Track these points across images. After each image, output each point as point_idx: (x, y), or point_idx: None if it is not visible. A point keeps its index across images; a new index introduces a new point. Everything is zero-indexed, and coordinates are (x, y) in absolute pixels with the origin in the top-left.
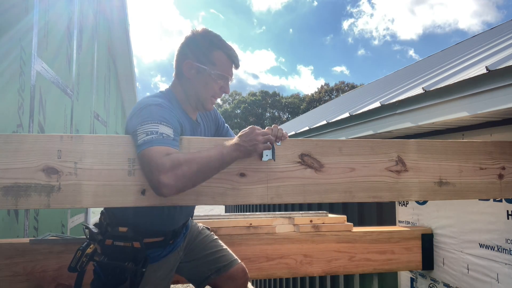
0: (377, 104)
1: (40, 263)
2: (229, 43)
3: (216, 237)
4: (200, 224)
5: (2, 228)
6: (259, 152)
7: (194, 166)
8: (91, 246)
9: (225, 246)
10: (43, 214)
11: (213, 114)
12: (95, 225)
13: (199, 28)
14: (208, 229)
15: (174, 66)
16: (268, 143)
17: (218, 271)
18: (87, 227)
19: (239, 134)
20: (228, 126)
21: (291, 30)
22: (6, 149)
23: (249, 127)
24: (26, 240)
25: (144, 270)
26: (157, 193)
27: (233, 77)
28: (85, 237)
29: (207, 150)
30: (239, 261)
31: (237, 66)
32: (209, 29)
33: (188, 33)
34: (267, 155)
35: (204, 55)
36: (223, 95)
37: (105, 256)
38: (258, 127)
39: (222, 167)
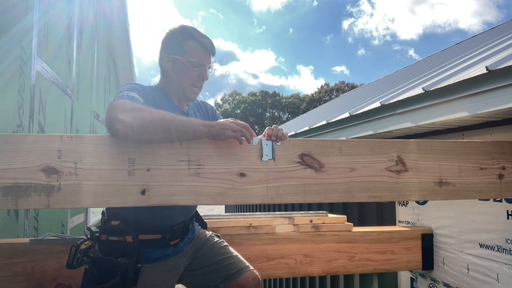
0: (377, 104)
1: (40, 263)
2: (229, 43)
3: (225, 244)
4: (209, 232)
5: (2, 228)
6: (226, 136)
7: (156, 115)
8: (86, 242)
9: (235, 253)
10: (43, 214)
11: (211, 112)
12: (98, 226)
13: (176, 25)
14: (218, 236)
15: (158, 62)
16: (239, 134)
17: (226, 279)
18: (88, 229)
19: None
20: None
21: (291, 30)
22: (6, 149)
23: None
24: (26, 240)
25: (139, 266)
26: (111, 131)
27: (211, 65)
28: (85, 237)
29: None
30: (251, 268)
31: (212, 53)
32: (186, 24)
33: (167, 30)
34: (267, 155)
35: (178, 46)
36: (224, 94)
37: (100, 252)
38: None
39: (185, 132)
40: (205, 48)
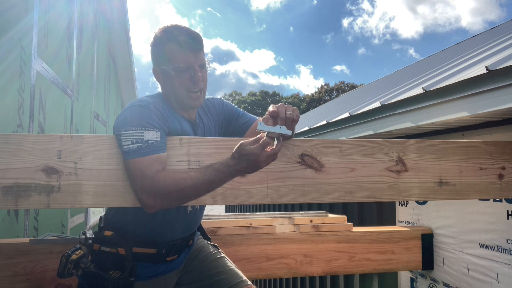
0: (377, 104)
1: (40, 263)
2: (228, 42)
3: (221, 255)
4: (203, 241)
5: (2, 228)
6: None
7: (186, 193)
8: (77, 252)
9: (229, 267)
10: (43, 214)
11: (219, 108)
12: (94, 231)
13: (157, 29)
14: (215, 246)
15: None
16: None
17: None
18: (84, 233)
19: (241, 155)
20: (244, 111)
21: (291, 28)
22: (6, 149)
23: (253, 150)
24: (26, 240)
25: (132, 279)
26: (141, 206)
27: (204, 61)
28: (77, 246)
29: (195, 173)
30: (248, 283)
31: (195, 49)
32: (166, 25)
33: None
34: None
35: (161, 56)
36: (224, 94)
37: (92, 263)
38: (259, 147)
39: (211, 190)
40: (186, 47)
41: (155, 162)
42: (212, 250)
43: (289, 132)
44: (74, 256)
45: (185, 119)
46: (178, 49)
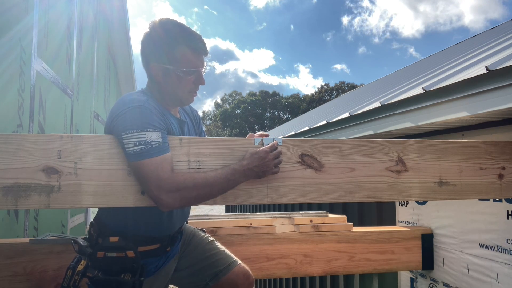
0: (377, 104)
1: (40, 263)
2: (227, 41)
3: (211, 239)
4: (193, 227)
5: (2, 228)
6: (266, 176)
7: (197, 192)
8: (82, 262)
9: (222, 248)
10: (43, 214)
11: (197, 117)
12: (85, 238)
13: (157, 19)
14: (203, 231)
15: (143, 67)
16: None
17: (215, 276)
18: (75, 242)
19: (252, 155)
20: (204, 131)
21: (292, 26)
22: (6, 149)
23: (262, 150)
24: (26, 240)
25: (142, 279)
26: (157, 205)
27: (205, 66)
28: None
29: (213, 173)
30: (239, 262)
31: (205, 53)
32: (168, 19)
33: (146, 29)
34: None
35: (167, 54)
36: (224, 94)
37: (99, 270)
38: (268, 148)
39: (226, 190)
40: (198, 51)
41: (164, 162)
42: (203, 234)
43: (280, 140)
44: (80, 267)
45: (171, 115)
46: (190, 52)
